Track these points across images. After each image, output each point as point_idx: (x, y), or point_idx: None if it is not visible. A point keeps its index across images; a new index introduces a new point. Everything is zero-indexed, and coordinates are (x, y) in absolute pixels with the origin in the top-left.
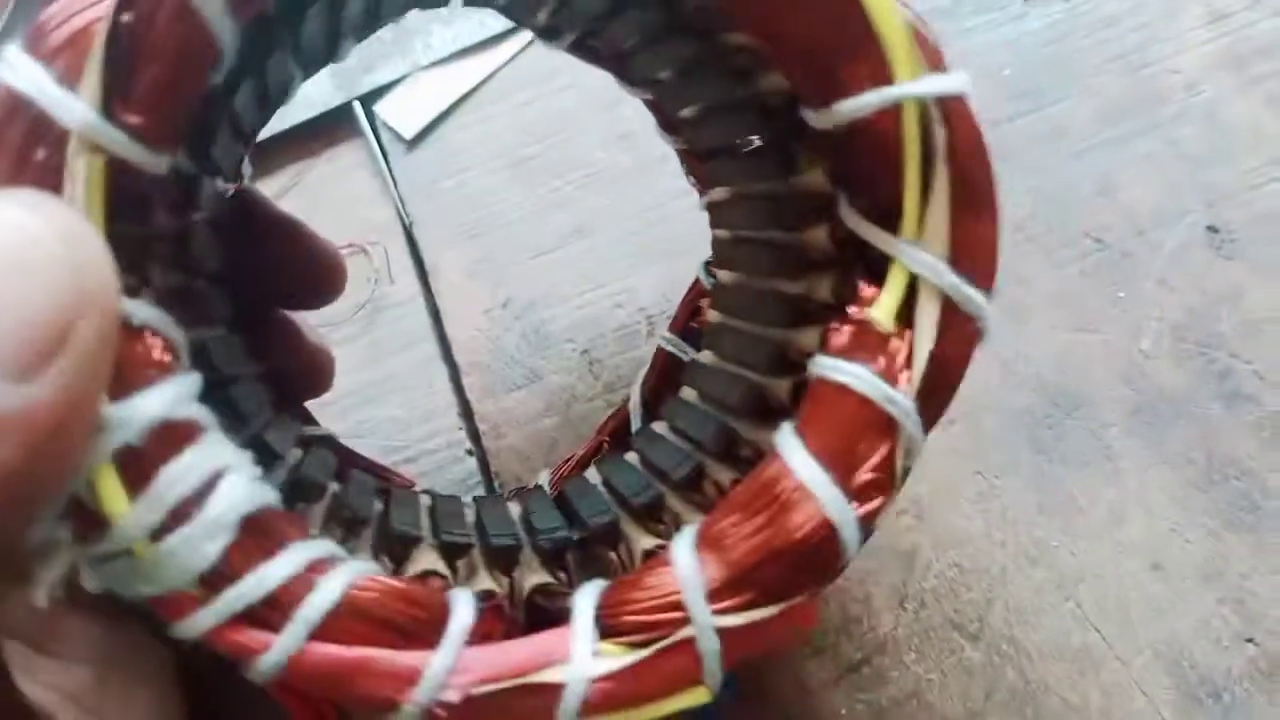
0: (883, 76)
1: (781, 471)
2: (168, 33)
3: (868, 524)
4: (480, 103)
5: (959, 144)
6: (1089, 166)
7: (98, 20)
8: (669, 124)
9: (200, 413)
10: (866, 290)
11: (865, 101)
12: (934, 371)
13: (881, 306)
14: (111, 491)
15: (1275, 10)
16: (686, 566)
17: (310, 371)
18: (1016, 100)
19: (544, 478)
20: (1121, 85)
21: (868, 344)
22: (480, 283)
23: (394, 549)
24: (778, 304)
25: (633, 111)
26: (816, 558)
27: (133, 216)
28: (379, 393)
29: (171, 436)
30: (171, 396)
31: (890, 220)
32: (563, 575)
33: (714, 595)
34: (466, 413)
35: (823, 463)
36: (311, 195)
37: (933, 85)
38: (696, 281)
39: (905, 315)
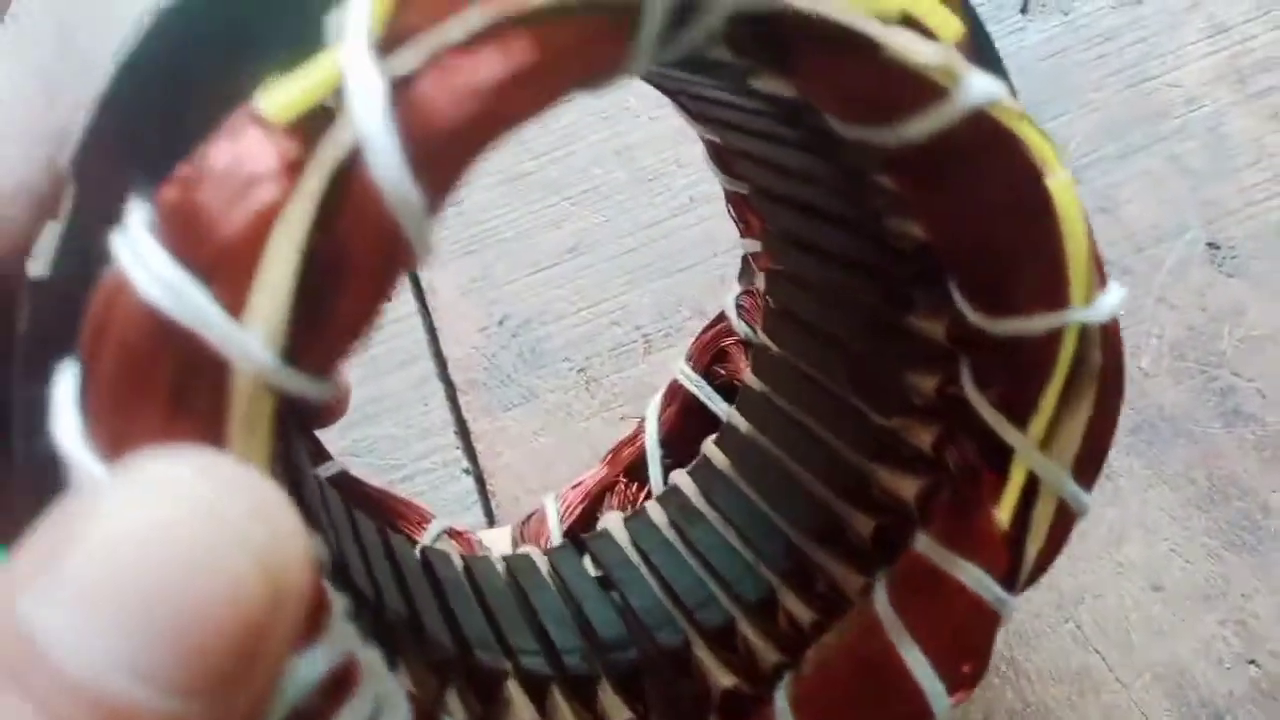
0: (1059, 300)
1: (888, 656)
2: (372, 262)
3: (956, 708)
4: None
5: (1108, 368)
6: (1089, 182)
7: (267, 213)
8: (725, 165)
9: (358, 646)
10: (989, 484)
11: (1036, 325)
12: (1036, 568)
13: (1004, 507)
14: None
15: (1275, 24)
16: None
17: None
18: None
19: (550, 504)
20: (1121, 100)
21: (988, 547)
22: (476, 300)
23: (481, 689)
24: (864, 430)
25: (630, 126)
26: None
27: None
28: (376, 411)
29: (337, 688)
30: (340, 646)
31: (1017, 414)
32: (640, 707)
33: None
34: (463, 431)
35: (930, 658)
36: None
37: (1100, 311)
38: (721, 317)
39: (1024, 511)
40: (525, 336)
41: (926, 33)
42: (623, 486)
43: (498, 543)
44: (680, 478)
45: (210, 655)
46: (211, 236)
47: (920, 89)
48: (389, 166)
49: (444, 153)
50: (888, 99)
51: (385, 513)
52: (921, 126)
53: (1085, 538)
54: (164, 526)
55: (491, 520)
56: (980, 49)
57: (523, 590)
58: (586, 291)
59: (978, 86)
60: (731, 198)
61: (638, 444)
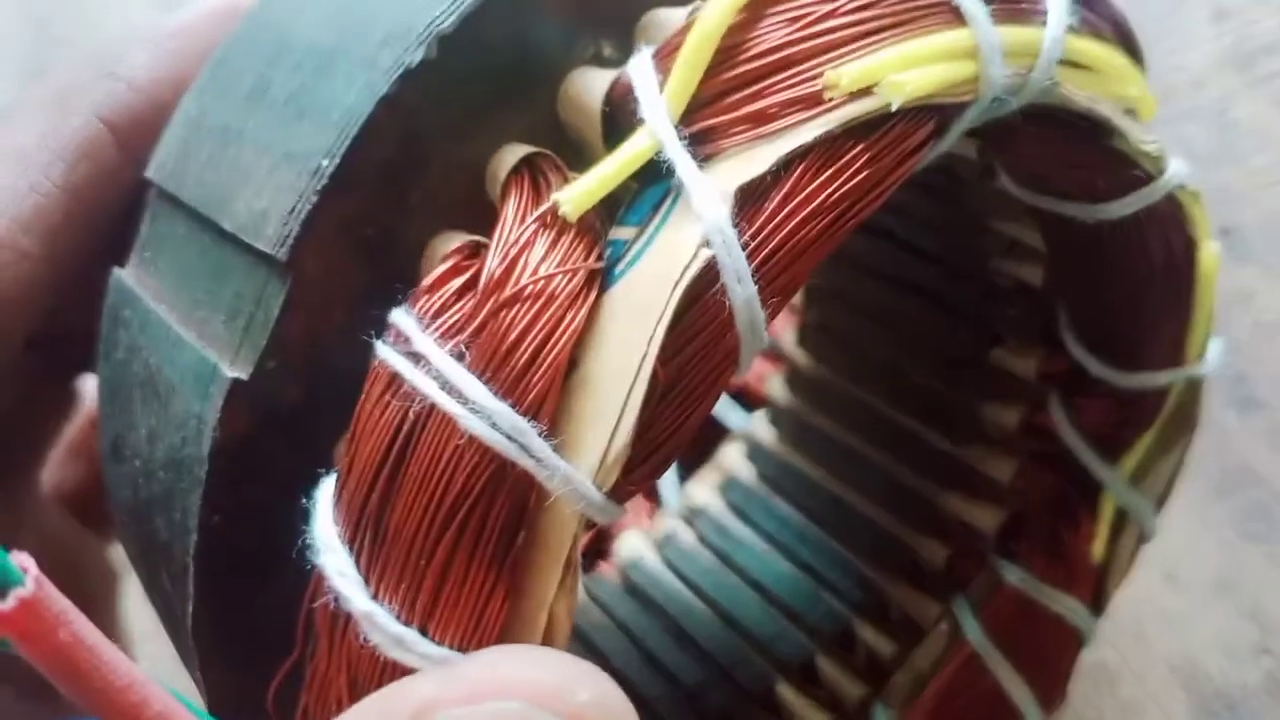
0: (1180, 360)
1: (991, 687)
2: (711, 374)
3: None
4: None
5: (1197, 413)
6: None
7: (576, 335)
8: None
9: None
10: (1083, 518)
11: (1160, 379)
12: (1113, 593)
13: (1099, 541)
14: None
15: (1279, 8)
16: None
17: None
18: None
19: None
20: None
21: (1084, 579)
22: None
23: None
24: (930, 458)
25: None
26: None
27: None
28: None
29: None
30: None
31: (1111, 451)
32: None
33: None
34: None
35: (1030, 685)
36: None
37: (1210, 365)
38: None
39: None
40: None
41: (1139, 119)
42: (635, 501)
43: None
44: (705, 494)
45: None
46: (532, 365)
47: (1134, 175)
48: (745, 288)
49: (789, 271)
50: (1104, 181)
51: None
52: (1124, 205)
53: None
54: None
55: None
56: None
57: (588, 636)
58: None
59: (1175, 171)
60: None
61: None
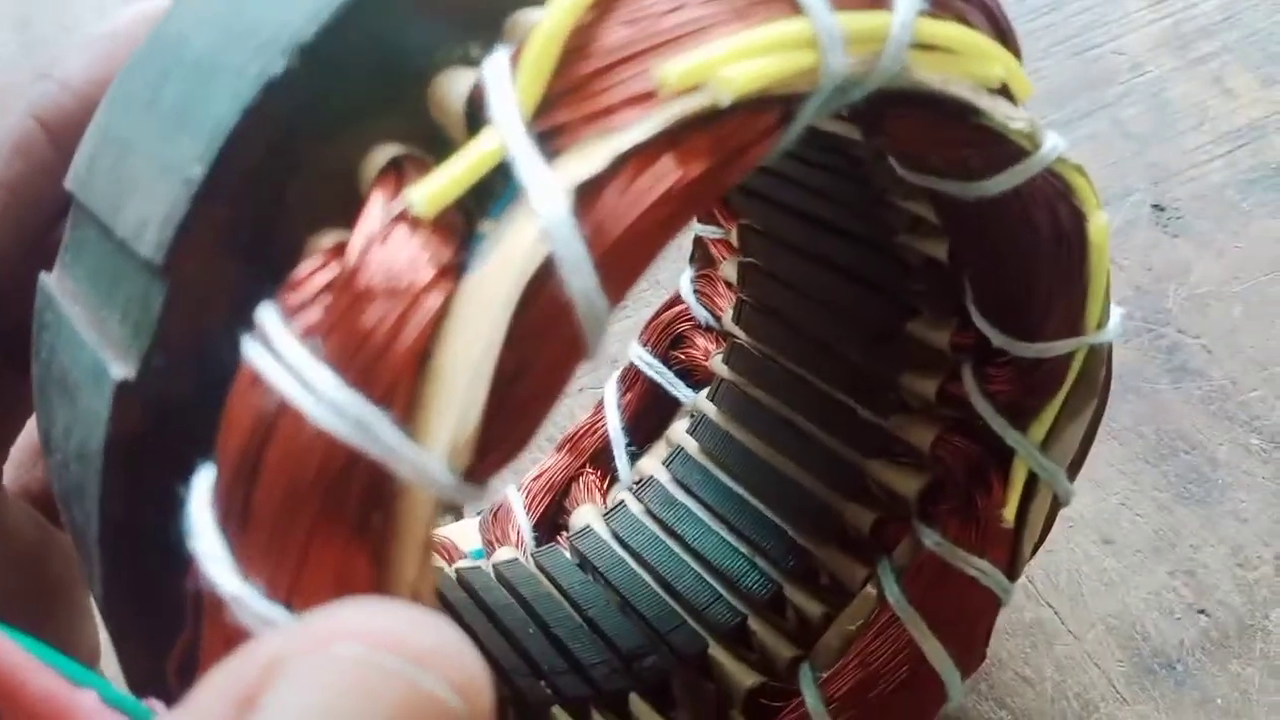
0: (1079, 330)
1: (909, 649)
2: (558, 376)
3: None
4: None
5: (1106, 381)
6: None
7: (432, 328)
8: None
9: None
10: (994, 482)
11: (1058, 348)
12: (1029, 557)
13: (1010, 506)
14: None
15: None
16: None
17: None
18: None
19: (514, 496)
20: (1067, 68)
21: (996, 542)
22: None
23: (528, 717)
24: (856, 428)
25: None
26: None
27: None
28: None
29: None
30: None
31: (1020, 418)
32: (673, 714)
33: None
34: None
35: (946, 644)
36: None
37: (1111, 334)
38: (677, 299)
39: (1023, 506)
40: None
41: (1013, 98)
42: (589, 477)
43: (467, 538)
44: (653, 467)
45: None
46: (382, 356)
47: (1007, 151)
48: (583, 279)
49: (629, 262)
50: (976, 159)
51: None
52: (999, 183)
53: None
54: (367, 699)
55: None
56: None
57: (528, 603)
58: None
59: (1052, 145)
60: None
61: (599, 432)
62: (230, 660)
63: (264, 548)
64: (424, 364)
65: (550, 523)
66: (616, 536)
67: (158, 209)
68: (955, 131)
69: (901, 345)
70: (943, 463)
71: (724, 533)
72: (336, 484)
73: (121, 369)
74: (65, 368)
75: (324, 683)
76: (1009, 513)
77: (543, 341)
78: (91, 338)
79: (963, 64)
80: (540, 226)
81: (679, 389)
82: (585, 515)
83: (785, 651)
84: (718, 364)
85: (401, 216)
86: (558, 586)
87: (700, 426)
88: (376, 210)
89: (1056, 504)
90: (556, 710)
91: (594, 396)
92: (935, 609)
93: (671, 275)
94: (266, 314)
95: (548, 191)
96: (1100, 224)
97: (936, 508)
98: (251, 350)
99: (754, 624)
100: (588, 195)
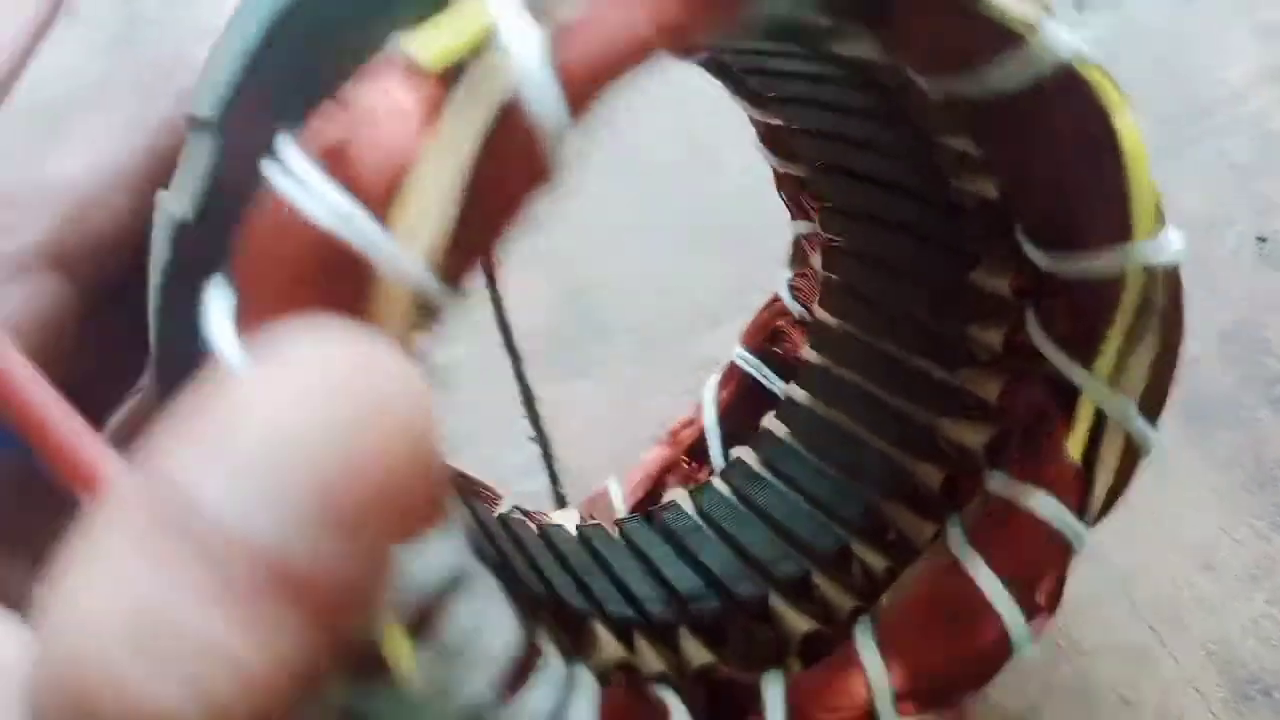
0: (1124, 238)
1: (967, 588)
2: (518, 194)
3: (1037, 638)
4: None
5: (1170, 308)
6: None
7: (420, 146)
8: (781, 147)
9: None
10: (1059, 421)
11: (1102, 264)
12: (1106, 502)
13: (1074, 440)
14: (398, 643)
15: None
16: (877, 673)
17: None
18: None
19: (614, 486)
20: (1172, 95)
21: (1060, 477)
22: (540, 270)
23: (570, 627)
24: (928, 388)
25: (694, 101)
26: (992, 668)
27: None
28: (443, 378)
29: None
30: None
31: (1083, 353)
32: (723, 651)
33: (898, 699)
34: (528, 401)
35: (1007, 584)
36: None
37: (1164, 252)
38: (775, 300)
39: (1094, 446)
40: (589, 308)
41: None
42: (684, 465)
43: (566, 522)
44: (743, 452)
45: (359, 506)
46: (371, 167)
47: (1006, 37)
48: (550, 109)
49: (591, 90)
50: (978, 48)
51: (458, 488)
52: (1007, 75)
53: (1138, 517)
54: (315, 397)
55: (556, 487)
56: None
57: (598, 550)
58: (651, 265)
59: (1058, 38)
60: (783, 180)
61: (696, 424)
62: (197, 392)
63: (258, 321)
64: (406, 178)
65: (643, 507)
66: (699, 510)
67: (219, 79)
68: (953, 17)
69: (966, 297)
70: (1010, 411)
71: (800, 500)
72: (324, 270)
73: (181, 211)
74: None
75: (283, 391)
76: (1074, 449)
77: (512, 160)
78: (168, 201)
79: None
80: (515, 65)
81: (774, 383)
82: (674, 495)
83: (847, 603)
84: (807, 351)
85: (404, 65)
86: (631, 542)
87: (788, 411)
88: (384, 67)
89: (1134, 447)
90: (598, 625)
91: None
92: (996, 547)
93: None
94: (283, 141)
95: (522, 36)
96: (1128, 123)
97: (1001, 455)
98: (268, 169)
99: (817, 578)
100: (560, 37)
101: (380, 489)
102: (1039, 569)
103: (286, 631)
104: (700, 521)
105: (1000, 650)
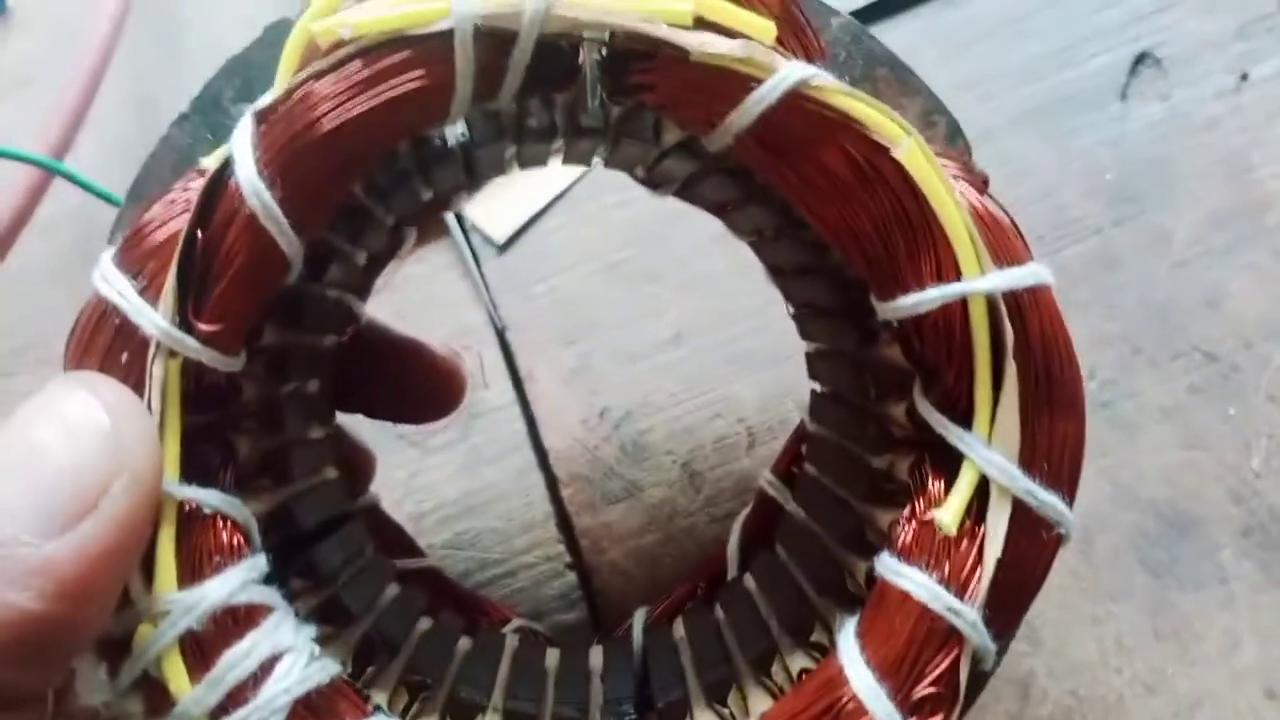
0: (947, 272)
1: (838, 680)
2: (235, 249)
3: None
4: (571, 204)
5: (1034, 336)
6: (1195, 276)
7: (178, 234)
8: (769, 269)
9: (266, 595)
10: (934, 486)
11: (927, 297)
12: (1005, 579)
13: (948, 509)
14: (176, 673)
15: None
16: None
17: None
18: (1120, 205)
19: (639, 617)
20: (1225, 191)
21: (931, 548)
22: (576, 390)
23: (458, 714)
24: (862, 475)
25: None
26: None
27: (214, 404)
28: (477, 503)
29: (234, 622)
30: (236, 582)
31: (965, 414)
32: None
33: None
34: (565, 526)
35: (879, 675)
36: (401, 296)
37: (999, 281)
38: (802, 424)
39: (979, 516)
40: (627, 428)
41: (727, 32)
42: (701, 593)
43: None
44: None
45: (56, 489)
46: (148, 252)
47: (733, 80)
48: (248, 173)
49: (295, 166)
50: (711, 96)
51: (471, 609)
52: (745, 114)
53: (1201, 642)
54: (64, 427)
55: (596, 620)
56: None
57: (560, 664)
58: (689, 382)
59: (789, 70)
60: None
61: (720, 557)
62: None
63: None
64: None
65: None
66: (684, 628)
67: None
68: (679, 73)
69: (878, 373)
70: (916, 489)
71: (762, 609)
72: (98, 326)
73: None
74: None
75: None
76: (946, 515)
77: (226, 230)
78: None
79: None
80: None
81: (790, 501)
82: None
83: (760, 703)
84: (807, 465)
85: (198, 171)
86: (604, 650)
87: (783, 522)
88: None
89: (1030, 514)
90: (492, 714)
91: None
92: (870, 634)
93: None
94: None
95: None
96: (909, 151)
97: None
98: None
99: (743, 680)
100: (265, 117)
101: (84, 505)
102: (921, 657)
103: None
104: (677, 636)
105: None
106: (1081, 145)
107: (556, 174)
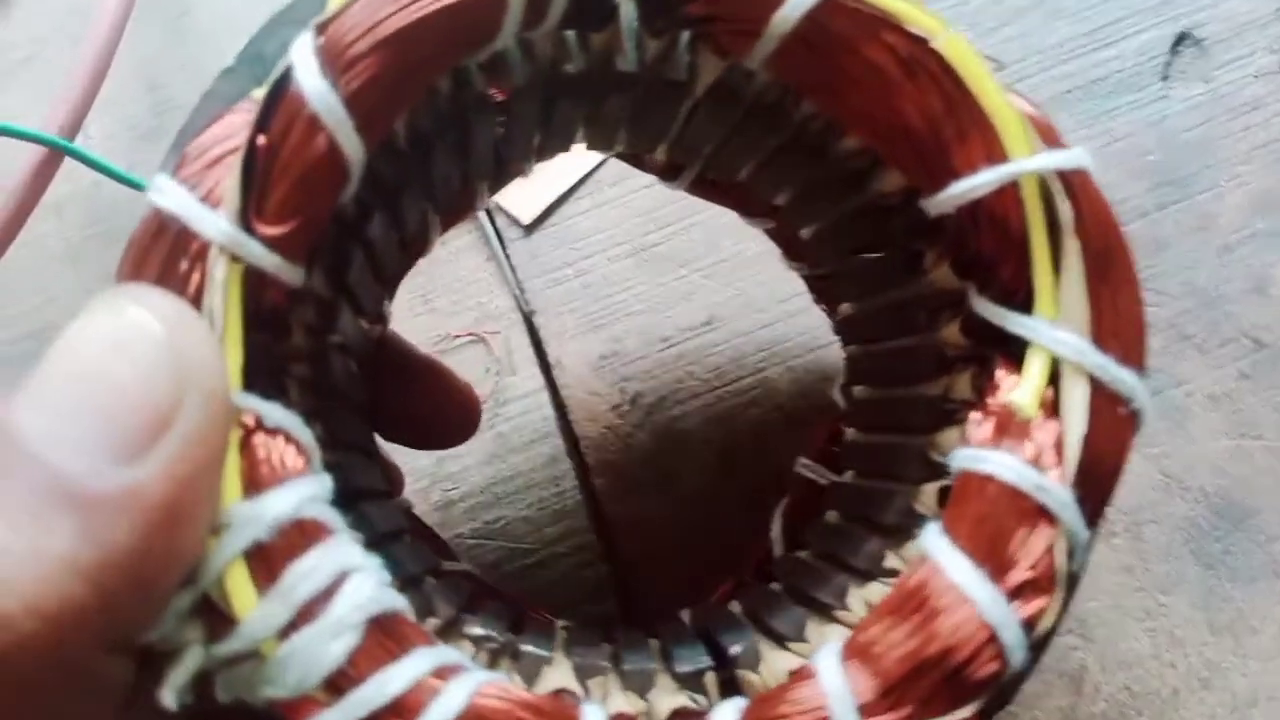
0: (996, 155)
1: (930, 573)
2: (298, 150)
3: (1032, 628)
4: (598, 186)
5: (1086, 215)
6: (1241, 260)
7: (238, 148)
8: (792, 250)
9: (330, 515)
10: (1006, 378)
11: (980, 181)
12: (1089, 459)
13: (1023, 391)
14: (240, 587)
15: None
16: (833, 678)
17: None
18: (1164, 189)
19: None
20: (1270, 174)
21: (1011, 432)
22: (607, 377)
23: (524, 666)
24: (918, 409)
25: None
26: (976, 665)
27: (270, 329)
28: (506, 491)
29: (301, 534)
30: (302, 495)
31: (1025, 302)
32: (701, 698)
33: (866, 710)
34: (597, 515)
35: (975, 561)
36: (426, 279)
37: (1049, 160)
38: (832, 405)
39: (1053, 401)
40: (659, 416)
41: None
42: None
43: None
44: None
45: (126, 412)
46: (206, 166)
47: None
48: (311, 76)
49: (356, 70)
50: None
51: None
52: (787, 17)
53: (1256, 635)
54: (117, 344)
55: (627, 613)
56: None
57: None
58: (722, 368)
59: None
60: (811, 286)
61: (765, 547)
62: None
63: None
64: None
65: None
66: (741, 604)
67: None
68: None
69: (925, 302)
70: (985, 395)
71: (823, 566)
72: (156, 237)
73: None
74: None
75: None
76: (1022, 396)
77: (284, 129)
78: None
79: None
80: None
81: (830, 477)
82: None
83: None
84: (849, 432)
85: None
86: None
87: (831, 491)
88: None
89: (1106, 390)
90: (560, 664)
91: None
92: (959, 523)
93: None
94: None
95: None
96: (950, 40)
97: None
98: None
99: (814, 621)
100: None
101: (158, 424)
102: (1014, 541)
103: (58, 536)
104: (735, 611)
105: (980, 641)
106: (1123, 126)
107: (582, 154)
